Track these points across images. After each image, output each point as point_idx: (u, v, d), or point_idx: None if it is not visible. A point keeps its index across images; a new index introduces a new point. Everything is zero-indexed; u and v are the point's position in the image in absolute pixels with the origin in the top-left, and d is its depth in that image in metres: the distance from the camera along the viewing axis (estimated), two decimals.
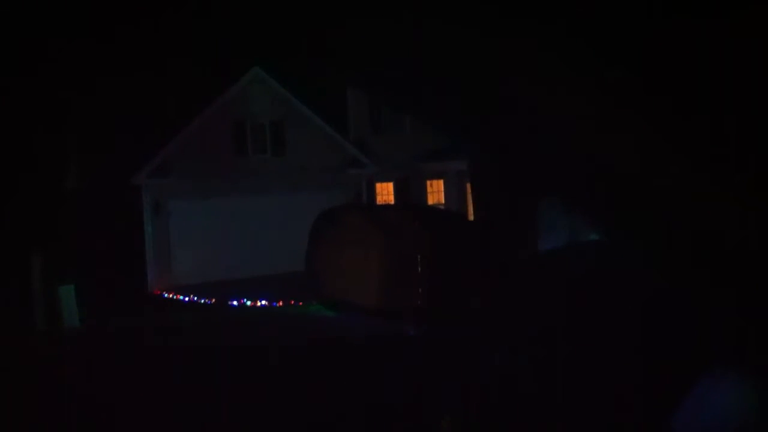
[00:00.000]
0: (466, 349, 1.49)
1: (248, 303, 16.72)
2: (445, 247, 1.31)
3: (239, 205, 20.28)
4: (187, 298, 18.05)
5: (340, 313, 1.65)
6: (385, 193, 23.67)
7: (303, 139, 21.31)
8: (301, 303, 14.73)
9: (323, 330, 10.14)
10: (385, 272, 1.37)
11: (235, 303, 16.87)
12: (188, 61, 20.67)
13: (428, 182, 22.67)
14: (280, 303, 16.00)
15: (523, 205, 1.50)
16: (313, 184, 20.96)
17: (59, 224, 17.45)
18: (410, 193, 23.06)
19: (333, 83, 19.74)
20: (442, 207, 22.11)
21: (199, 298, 17.79)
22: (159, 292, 19.18)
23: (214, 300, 17.35)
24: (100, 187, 18.92)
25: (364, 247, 1.44)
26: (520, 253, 1.53)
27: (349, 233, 1.52)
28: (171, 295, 18.61)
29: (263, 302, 16.54)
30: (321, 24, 0.80)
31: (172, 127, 20.13)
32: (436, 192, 22.76)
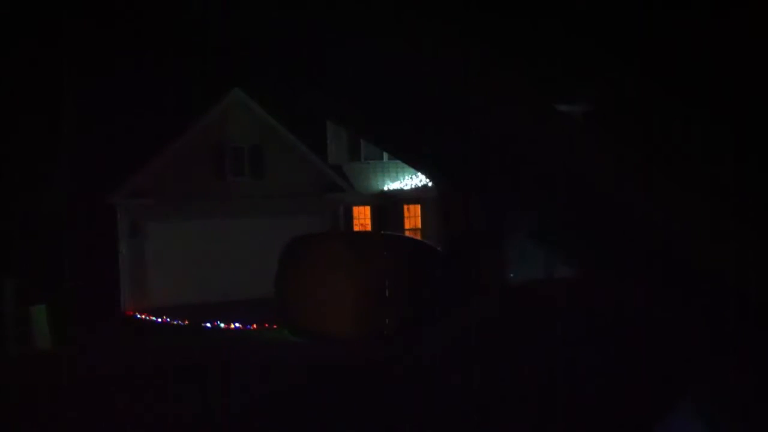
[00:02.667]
0: (429, 374, 1.58)
1: (222, 326, 16.64)
2: (413, 277, 1.41)
3: (217, 228, 20.25)
4: (160, 320, 17.94)
5: (308, 340, 1.73)
6: (363, 217, 23.73)
7: (282, 163, 21.36)
8: (275, 326, 14.69)
9: (290, 357, 10.15)
10: (353, 302, 1.46)
11: (208, 325, 16.78)
12: (170, 81, 20.73)
13: (405, 207, 22.78)
14: (254, 326, 15.95)
15: (493, 236, 1.61)
16: (292, 208, 21.03)
17: (33, 245, 17.34)
18: (387, 218, 23.16)
19: (313, 109, 19.90)
20: (418, 230, 22.23)
21: (173, 320, 17.68)
22: (132, 314, 19.05)
23: (187, 322, 17.24)
24: (77, 207, 18.83)
25: (333, 277, 1.53)
26: (490, 283, 1.63)
27: (318, 262, 1.60)
28: (144, 317, 18.49)
29: (237, 325, 16.47)
30: (300, 53, 0.89)
31: (150, 147, 20.11)
32: (413, 217, 22.86)
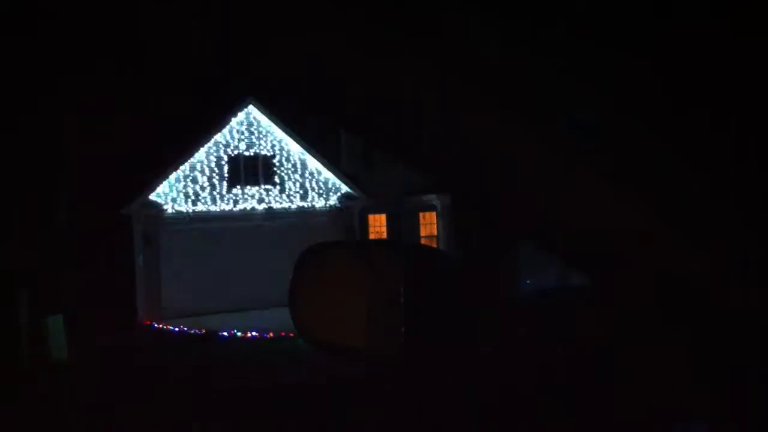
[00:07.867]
0: (441, 395, 1.49)
1: (239, 334, 16.59)
2: (428, 291, 1.31)
3: (230, 236, 20.25)
4: (177, 329, 17.90)
5: (321, 352, 1.63)
6: (378, 225, 23.64)
7: (296, 171, 21.40)
8: (292, 335, 14.61)
9: (300, 371, 10.02)
10: (368, 315, 1.36)
11: (225, 334, 16.73)
12: (185, 91, 20.78)
13: (421, 214, 22.67)
14: (271, 335, 15.88)
15: (504, 247, 1.50)
16: (306, 215, 21.09)
17: (49, 255, 17.37)
18: (403, 225, 23.06)
19: (327, 120, 19.88)
20: (434, 237, 22.12)
21: (190, 329, 17.64)
22: (149, 323, 19.03)
23: (204, 331, 17.19)
24: (92, 218, 18.87)
25: (348, 288, 1.44)
26: (502, 293, 1.53)
27: (332, 272, 1.51)
28: (162, 326, 18.46)
29: (253, 334, 16.41)
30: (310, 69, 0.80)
31: (164, 158, 20.13)
32: (428, 224, 22.75)
